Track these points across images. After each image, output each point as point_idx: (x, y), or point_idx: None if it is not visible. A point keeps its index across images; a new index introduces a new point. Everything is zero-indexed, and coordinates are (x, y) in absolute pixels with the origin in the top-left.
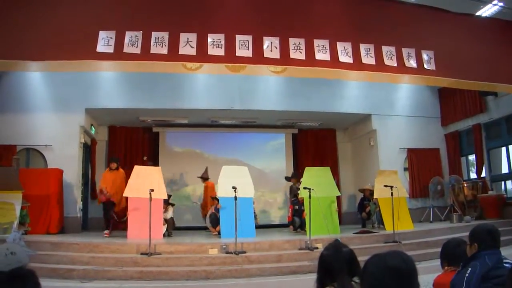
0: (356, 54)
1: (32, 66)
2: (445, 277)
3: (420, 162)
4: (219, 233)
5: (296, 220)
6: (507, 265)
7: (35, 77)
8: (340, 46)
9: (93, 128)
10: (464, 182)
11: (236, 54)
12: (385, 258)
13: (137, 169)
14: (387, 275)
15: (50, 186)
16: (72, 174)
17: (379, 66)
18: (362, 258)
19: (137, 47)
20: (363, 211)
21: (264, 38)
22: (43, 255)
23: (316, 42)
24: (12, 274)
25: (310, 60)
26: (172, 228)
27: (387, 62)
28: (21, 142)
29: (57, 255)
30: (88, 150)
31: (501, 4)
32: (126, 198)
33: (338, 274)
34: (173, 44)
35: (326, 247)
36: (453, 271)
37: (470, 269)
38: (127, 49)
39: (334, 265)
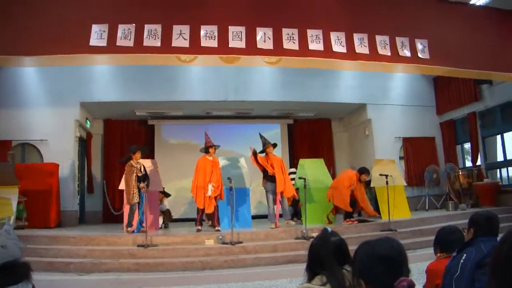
0: (349, 43)
1: (25, 61)
2: (438, 264)
3: (415, 151)
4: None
5: (290, 209)
6: None
7: (30, 72)
8: (333, 36)
9: (88, 122)
10: (460, 170)
11: (229, 46)
12: (374, 245)
13: None
14: (377, 261)
15: (46, 180)
16: (68, 168)
17: (373, 55)
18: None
19: (130, 40)
20: None
21: (257, 28)
22: (40, 249)
23: (310, 32)
24: (5, 267)
25: (304, 50)
26: (169, 220)
27: (381, 51)
28: (17, 137)
29: (54, 248)
30: (84, 144)
31: None
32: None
33: (326, 263)
34: (166, 37)
35: (316, 236)
36: (446, 258)
37: (465, 255)
38: (120, 42)
39: (321, 253)
